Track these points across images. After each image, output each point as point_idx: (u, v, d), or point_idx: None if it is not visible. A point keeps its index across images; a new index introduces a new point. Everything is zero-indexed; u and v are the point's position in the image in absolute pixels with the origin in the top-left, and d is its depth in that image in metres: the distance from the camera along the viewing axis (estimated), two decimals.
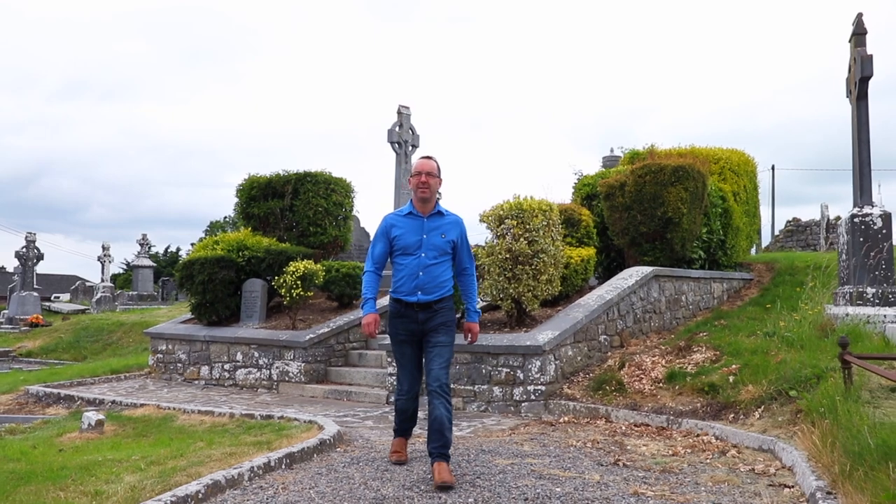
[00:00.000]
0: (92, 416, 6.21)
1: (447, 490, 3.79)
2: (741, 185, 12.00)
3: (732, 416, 5.26)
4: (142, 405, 7.42)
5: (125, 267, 50.06)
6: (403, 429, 4.54)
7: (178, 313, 15.44)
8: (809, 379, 5.05)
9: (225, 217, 62.95)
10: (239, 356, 9.24)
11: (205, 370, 9.58)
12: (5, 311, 22.94)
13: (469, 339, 4.47)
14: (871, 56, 7.30)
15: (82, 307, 25.48)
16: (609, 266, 10.61)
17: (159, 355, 10.24)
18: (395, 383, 8.13)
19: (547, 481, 3.97)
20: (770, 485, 3.82)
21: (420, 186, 4.23)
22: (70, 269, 57.46)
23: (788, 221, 25.16)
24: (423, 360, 4.31)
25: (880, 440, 3.15)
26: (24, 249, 22.93)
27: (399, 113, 14.56)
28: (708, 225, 10.43)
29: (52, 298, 30.32)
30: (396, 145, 14.38)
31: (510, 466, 4.38)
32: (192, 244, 66.90)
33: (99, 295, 24.61)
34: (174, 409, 7.02)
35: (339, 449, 4.98)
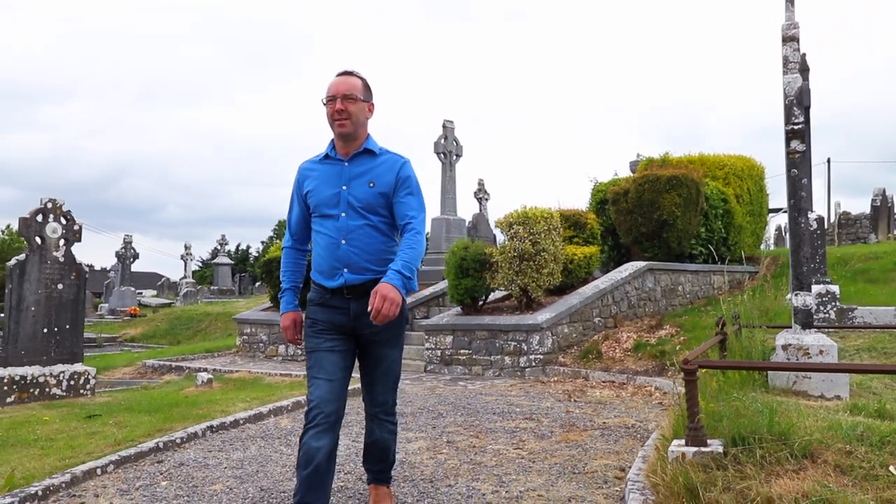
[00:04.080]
0: (203, 375, 8.44)
1: None
2: (745, 188, 13.49)
3: (671, 373, 7.03)
4: (236, 371, 9.66)
5: (201, 264, 53.91)
6: (312, 498, 2.60)
7: (255, 304, 17.88)
8: None
9: None
10: None
11: (282, 349, 11.84)
12: (104, 305, 26.19)
13: (372, 313, 2.50)
14: None
15: (168, 301, 28.59)
16: (620, 261, 12.32)
17: (245, 337, 12.58)
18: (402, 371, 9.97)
19: (513, 406, 5.92)
20: (659, 404, 5.64)
21: (336, 116, 2.75)
22: (149, 267, 61.88)
23: (839, 215, 25.69)
24: (361, 377, 3.02)
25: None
26: (123, 249, 26.12)
27: (444, 127, 16.51)
28: (707, 224, 12.03)
29: (139, 293, 33.81)
30: (441, 155, 16.33)
31: (493, 400, 6.34)
32: (262, 242, 70.83)
33: (184, 290, 27.59)
34: (261, 373, 9.23)
35: None
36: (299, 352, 11.56)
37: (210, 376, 8.50)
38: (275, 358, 11.87)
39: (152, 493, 3.68)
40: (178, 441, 4.80)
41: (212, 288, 29.76)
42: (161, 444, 4.65)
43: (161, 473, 4.09)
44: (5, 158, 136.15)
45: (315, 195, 2.82)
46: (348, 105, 2.75)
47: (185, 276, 30.23)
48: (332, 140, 2.87)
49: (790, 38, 4.17)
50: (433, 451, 4.44)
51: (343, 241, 2.75)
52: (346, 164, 2.81)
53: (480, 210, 22.65)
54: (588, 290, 9.51)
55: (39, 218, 7.18)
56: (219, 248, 31.41)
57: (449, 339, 9.31)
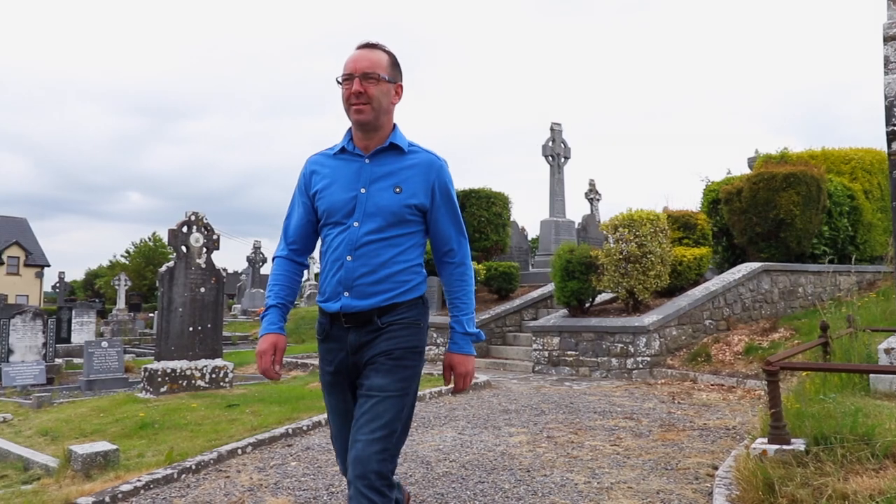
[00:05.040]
0: None
1: None
2: (874, 183, 12.70)
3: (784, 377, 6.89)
4: None
5: None
6: None
7: None
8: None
9: None
10: None
11: None
12: (237, 306, 28.31)
13: (454, 386, 2.34)
14: None
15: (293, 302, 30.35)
16: (734, 262, 11.99)
17: None
18: (539, 363, 10.21)
19: (615, 405, 6.08)
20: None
21: (353, 100, 2.15)
22: None
23: None
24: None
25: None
26: (252, 254, 28.14)
27: (552, 129, 16.65)
28: (830, 223, 11.47)
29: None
30: (549, 158, 16.48)
31: (596, 400, 6.52)
32: None
33: (308, 292, 29.29)
34: None
35: (486, 390, 7.40)
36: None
37: None
38: None
39: (284, 471, 4.22)
40: (305, 428, 5.38)
41: None
42: (290, 431, 5.23)
43: (291, 455, 4.64)
44: (151, 170, 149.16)
45: (326, 198, 2.20)
46: (369, 86, 2.12)
47: (308, 279, 32.07)
48: (350, 129, 2.25)
49: (891, 38, 4.10)
50: (532, 444, 4.73)
51: (349, 258, 2.13)
52: (367, 161, 2.18)
53: (592, 211, 22.52)
54: (697, 291, 9.40)
55: (185, 229, 8.12)
56: None
57: (556, 340, 9.52)
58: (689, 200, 18.05)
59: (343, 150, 2.24)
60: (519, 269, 12.80)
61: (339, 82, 2.18)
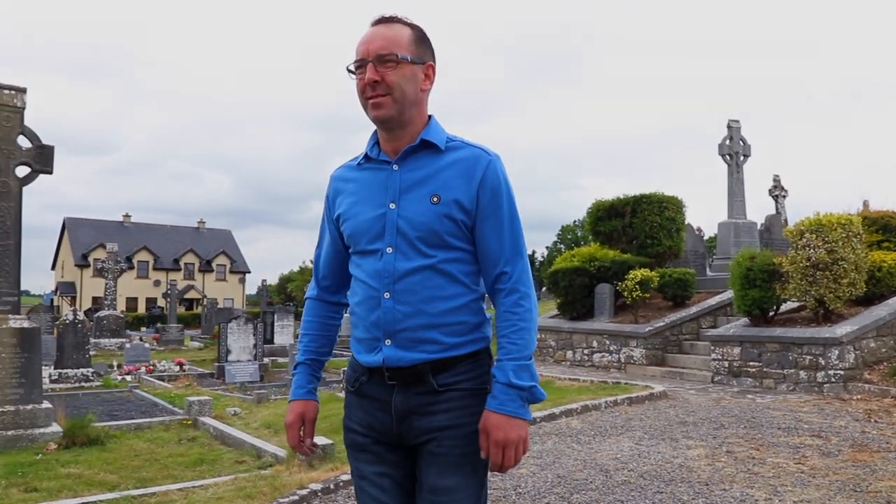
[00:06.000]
0: None
1: None
2: None
3: None
4: None
5: None
6: None
7: (544, 311, 19.05)
8: None
9: (574, 221, 68.15)
10: (594, 343, 12.11)
11: (569, 354, 12.68)
12: None
13: (491, 466, 1.66)
14: None
15: None
16: None
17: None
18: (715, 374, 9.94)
19: (801, 422, 5.89)
20: None
21: (368, 92, 1.66)
22: None
23: None
24: None
25: None
26: None
27: (729, 127, 15.90)
28: None
29: None
30: (727, 157, 15.76)
31: (781, 415, 6.34)
32: (546, 247, 73.08)
33: None
34: (552, 377, 10.13)
35: (663, 401, 7.43)
36: (585, 356, 12.28)
37: None
38: (563, 363, 12.74)
39: None
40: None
41: None
42: None
43: None
44: None
45: (350, 220, 1.74)
46: (386, 72, 1.62)
47: None
48: (375, 131, 1.75)
49: None
50: (711, 458, 4.79)
51: (386, 295, 1.66)
52: (395, 167, 1.70)
53: (777, 209, 21.13)
54: None
55: None
56: None
57: (736, 350, 9.23)
58: (889, 198, 16.36)
59: (367, 158, 1.76)
60: (694, 275, 12.46)
61: (350, 72, 1.67)
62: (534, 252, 74.44)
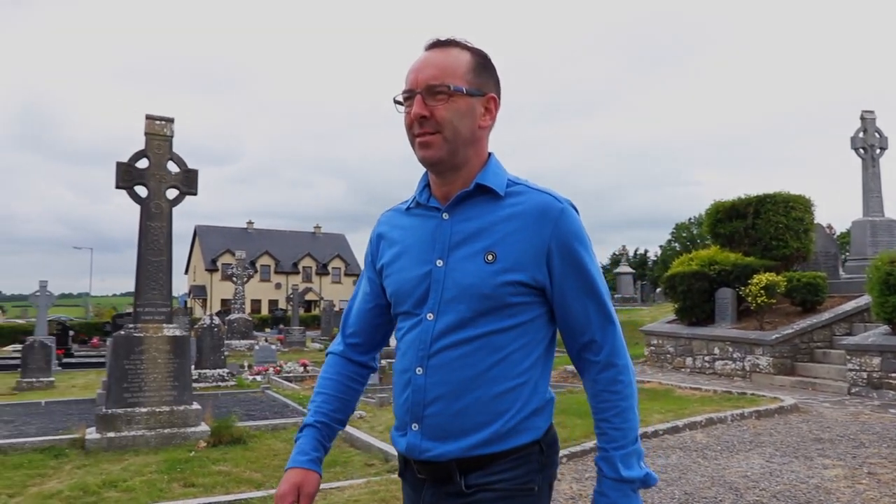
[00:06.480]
0: None
1: None
2: None
3: None
4: (647, 382, 10.49)
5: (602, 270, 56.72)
6: None
7: (659, 314, 18.52)
8: None
9: (689, 218, 65.50)
10: (716, 350, 11.67)
11: (689, 360, 12.29)
12: None
13: None
14: None
15: None
16: None
17: (652, 347, 13.36)
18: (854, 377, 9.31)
19: None
20: None
21: (416, 130, 1.41)
22: None
23: None
24: None
25: None
26: None
27: (862, 119, 14.89)
28: None
29: None
30: (861, 150, 14.74)
31: None
32: (660, 246, 70.95)
33: None
34: (671, 385, 9.88)
35: (794, 414, 7.09)
36: (706, 363, 11.85)
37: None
38: (682, 370, 12.37)
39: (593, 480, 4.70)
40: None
41: (615, 296, 31.38)
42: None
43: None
44: None
45: (393, 275, 1.51)
46: (437, 106, 1.38)
47: None
48: (426, 172, 1.51)
49: None
50: (851, 479, 4.56)
51: (419, 370, 1.40)
52: (445, 216, 1.45)
53: None
54: None
55: None
56: (619, 256, 32.97)
57: (876, 360, 8.64)
58: None
59: (416, 202, 1.52)
60: (825, 278, 11.73)
61: (397, 103, 1.44)
62: (646, 251, 72.27)
